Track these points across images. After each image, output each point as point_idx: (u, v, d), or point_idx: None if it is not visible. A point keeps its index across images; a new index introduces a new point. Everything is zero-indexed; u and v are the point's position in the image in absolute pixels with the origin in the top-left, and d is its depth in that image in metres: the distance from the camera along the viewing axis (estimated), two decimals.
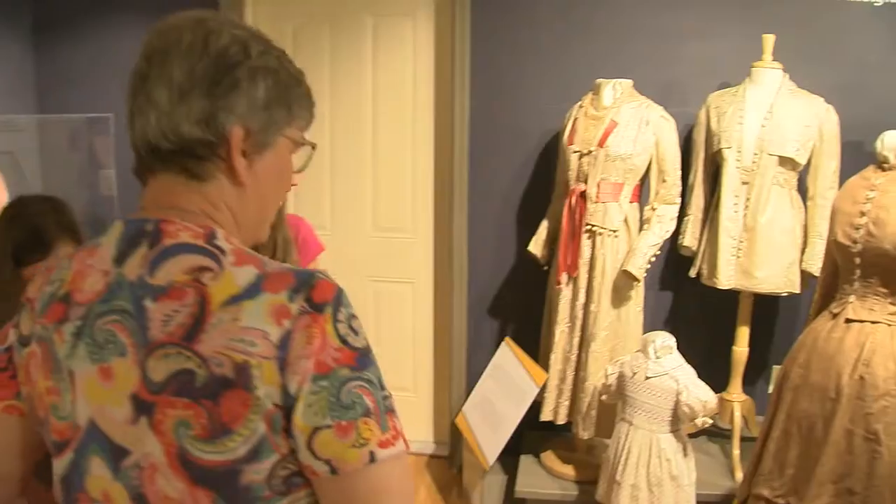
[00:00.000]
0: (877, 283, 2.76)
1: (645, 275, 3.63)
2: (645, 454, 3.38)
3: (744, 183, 3.63)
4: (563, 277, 3.70)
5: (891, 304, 2.75)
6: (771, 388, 4.32)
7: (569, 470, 3.98)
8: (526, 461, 4.14)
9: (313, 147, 1.20)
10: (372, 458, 1.00)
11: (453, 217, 4.24)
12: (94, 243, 1.12)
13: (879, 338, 2.74)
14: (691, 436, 3.61)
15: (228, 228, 1.10)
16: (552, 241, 3.81)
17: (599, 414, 3.76)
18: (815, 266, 3.60)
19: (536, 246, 3.90)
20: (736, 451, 3.91)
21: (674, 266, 4.17)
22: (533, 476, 4.01)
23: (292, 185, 1.23)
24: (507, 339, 4.11)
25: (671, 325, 4.29)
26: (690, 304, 4.26)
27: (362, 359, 1.03)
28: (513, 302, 4.35)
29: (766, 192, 3.59)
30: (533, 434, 4.15)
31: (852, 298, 2.83)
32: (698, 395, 3.26)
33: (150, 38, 1.09)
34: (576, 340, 3.75)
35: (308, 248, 2.63)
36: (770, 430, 3.10)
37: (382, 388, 1.05)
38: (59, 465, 1.13)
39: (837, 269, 2.99)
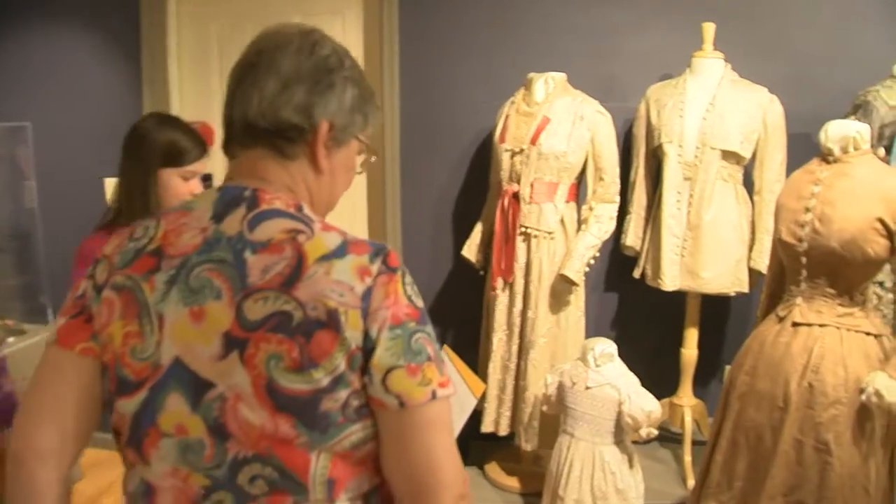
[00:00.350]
0: (824, 284, 2.51)
1: (583, 278, 3.37)
2: (588, 467, 3.11)
3: (686, 178, 3.37)
4: (499, 283, 3.43)
5: (840, 305, 2.50)
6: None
7: (513, 482, 3.71)
8: (470, 473, 3.85)
9: (375, 155, 1.41)
10: (433, 396, 1.15)
11: (386, 221, 3.95)
12: (185, 207, 1.28)
13: (828, 342, 2.48)
14: (642, 442, 3.34)
15: (305, 203, 1.26)
16: (487, 245, 3.53)
17: (542, 424, 3.49)
18: (764, 264, 3.35)
19: (471, 250, 3.62)
20: (687, 458, 3.66)
21: (618, 266, 3.91)
22: (476, 489, 3.72)
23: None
24: (445, 346, 3.81)
25: (617, 328, 4.03)
26: (636, 305, 4.00)
27: (423, 316, 1.19)
28: (450, 308, 4.07)
29: (710, 187, 3.33)
30: (477, 444, 3.87)
31: (799, 300, 2.58)
32: (641, 404, 2.99)
33: (261, 37, 1.28)
34: (514, 348, 3.47)
35: None
36: (717, 439, 2.84)
37: (436, 342, 1.19)
38: (129, 403, 1.22)
39: (784, 269, 2.73)
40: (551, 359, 3.44)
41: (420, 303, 1.19)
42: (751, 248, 3.43)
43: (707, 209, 3.33)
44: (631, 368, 3.95)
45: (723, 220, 3.35)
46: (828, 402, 2.44)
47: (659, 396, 4.07)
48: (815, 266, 2.52)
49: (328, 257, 1.14)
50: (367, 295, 1.13)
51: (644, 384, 4.02)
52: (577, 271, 3.26)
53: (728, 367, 4.19)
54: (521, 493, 3.67)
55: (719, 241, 3.35)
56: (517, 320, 3.43)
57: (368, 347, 1.13)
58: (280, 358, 1.12)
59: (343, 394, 1.14)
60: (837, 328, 2.49)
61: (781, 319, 2.62)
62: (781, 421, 2.54)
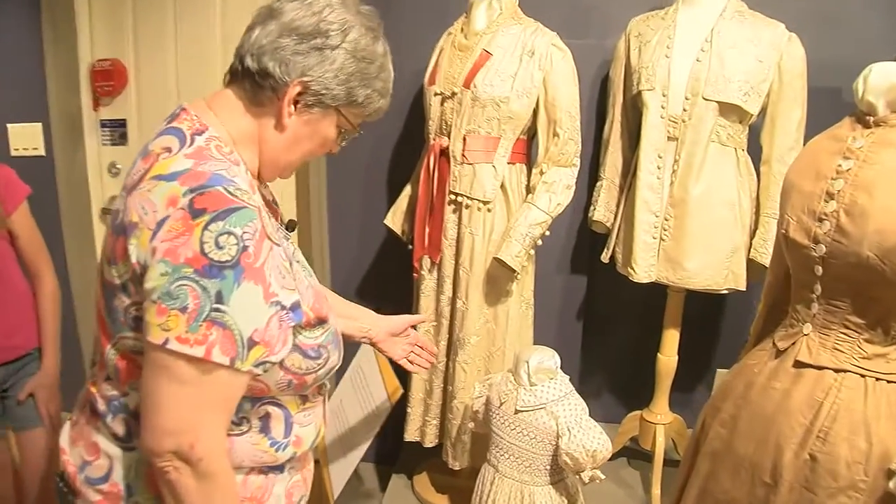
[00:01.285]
0: (847, 310, 1.59)
1: (526, 264, 2.45)
2: None
3: (671, 138, 2.43)
4: (425, 262, 2.52)
5: (867, 342, 1.58)
6: None
7: (443, 500, 2.85)
8: (396, 485, 3.02)
9: (357, 133, 1.35)
10: (165, 343, 1.08)
11: (309, 186, 3.03)
12: None
13: (846, 397, 1.57)
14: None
15: (245, 150, 1.25)
16: (415, 212, 2.59)
17: (476, 439, 2.60)
18: (767, 256, 2.42)
19: (395, 218, 2.70)
20: (656, 490, 2.75)
21: (588, 243, 2.97)
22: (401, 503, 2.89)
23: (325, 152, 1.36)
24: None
25: (582, 323, 3.10)
26: (608, 295, 3.09)
27: (212, 269, 1.08)
28: (380, 288, 3.17)
29: (702, 151, 2.39)
30: (411, 448, 2.98)
31: (808, 329, 1.65)
32: (583, 441, 2.10)
33: None
34: (443, 345, 2.59)
35: (15, 191, 2.24)
36: (681, 499, 1.95)
37: (221, 303, 1.09)
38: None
39: (788, 276, 1.82)
40: (486, 361, 2.56)
41: (219, 256, 1.08)
42: (752, 234, 2.49)
43: (696, 180, 2.39)
44: (597, 372, 3.03)
45: (717, 196, 2.41)
46: (837, 485, 1.54)
47: (629, 408, 3.19)
48: (835, 281, 1.59)
49: (161, 178, 1.12)
50: (161, 222, 1.09)
51: (612, 393, 3.11)
52: (515, 255, 2.34)
53: (722, 372, 3.30)
54: None
55: (711, 222, 2.41)
56: (446, 310, 2.54)
57: (144, 270, 1.10)
58: (106, 245, 1.20)
59: (125, 299, 1.17)
60: (862, 376, 1.56)
61: (780, 353, 1.69)
62: (767, 503, 1.64)
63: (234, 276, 1.08)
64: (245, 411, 1.25)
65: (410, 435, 2.76)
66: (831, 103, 2.55)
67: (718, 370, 3.22)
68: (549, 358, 2.17)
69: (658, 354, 2.76)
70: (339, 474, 2.76)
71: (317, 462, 2.75)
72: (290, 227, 1.53)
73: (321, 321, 1.27)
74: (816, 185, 1.59)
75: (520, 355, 2.20)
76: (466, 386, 2.53)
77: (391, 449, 2.88)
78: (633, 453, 3.03)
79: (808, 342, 1.63)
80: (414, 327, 1.97)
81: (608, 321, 3.12)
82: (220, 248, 1.07)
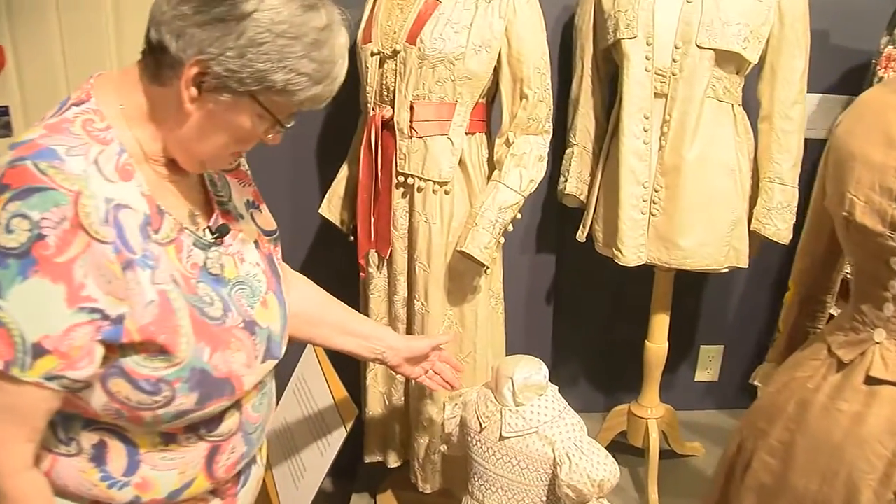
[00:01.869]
0: None
1: (497, 255, 2.03)
2: None
3: (658, 96, 2.01)
4: (372, 258, 2.08)
5: None
6: (697, 376, 2.81)
7: None
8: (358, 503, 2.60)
9: (282, 126, 1.07)
10: None
11: None
12: None
13: None
14: None
15: (139, 130, 1.05)
16: (354, 198, 2.14)
17: (447, 459, 2.20)
18: (772, 226, 2.03)
19: (332, 206, 2.24)
20: (654, 496, 2.39)
21: (556, 218, 2.56)
22: None
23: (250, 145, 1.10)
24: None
25: (553, 305, 2.71)
26: (584, 276, 2.68)
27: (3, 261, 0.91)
28: (322, 284, 2.71)
29: (697, 109, 1.99)
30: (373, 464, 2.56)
31: (881, 335, 1.26)
32: (587, 470, 1.70)
33: None
34: None
35: None
36: None
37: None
38: None
39: (830, 258, 1.48)
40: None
41: (5, 241, 0.90)
42: (752, 203, 2.11)
43: (690, 143, 1.99)
44: (570, 359, 2.63)
45: (714, 160, 2.02)
46: None
47: (606, 396, 2.82)
48: None
49: (11, 146, 0.97)
50: None
51: (588, 381, 2.70)
52: (484, 247, 1.91)
53: (707, 349, 2.94)
54: None
55: (708, 191, 2.02)
56: (402, 313, 2.10)
57: None
58: None
59: None
60: None
61: (843, 366, 1.30)
62: None
63: (20, 267, 0.91)
64: (75, 431, 1.07)
65: (371, 455, 2.34)
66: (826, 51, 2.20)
67: (702, 347, 2.87)
68: (536, 371, 1.76)
69: (646, 342, 2.38)
70: None
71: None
72: (218, 231, 1.17)
73: (163, 351, 1.01)
74: (890, 154, 1.19)
75: (500, 370, 1.78)
76: (433, 399, 2.12)
77: (349, 460, 2.45)
78: (619, 447, 2.66)
79: (883, 352, 1.24)
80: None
81: (581, 304, 2.73)
82: (9, 231, 0.91)
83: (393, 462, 2.33)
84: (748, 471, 1.43)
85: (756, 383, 1.70)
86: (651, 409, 2.45)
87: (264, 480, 2.54)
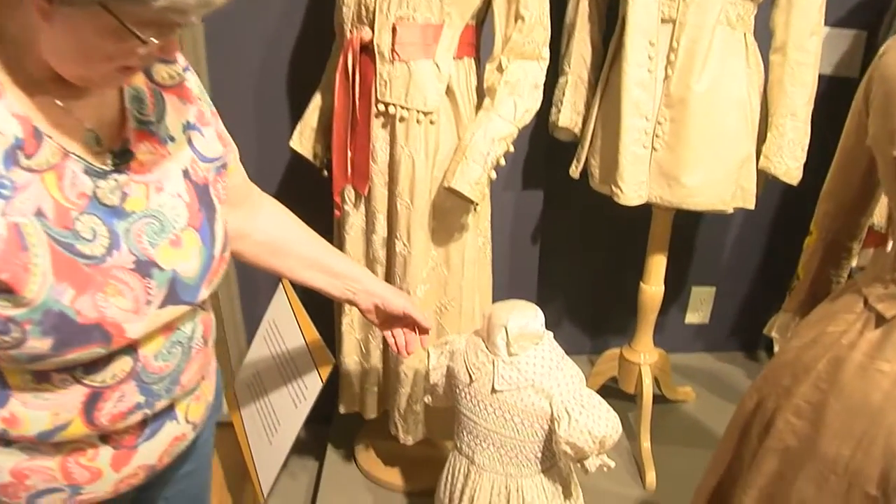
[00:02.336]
0: None
1: (487, 191, 1.85)
2: None
3: (665, 21, 1.81)
4: (348, 195, 1.89)
5: None
6: (688, 318, 2.67)
7: (393, 476, 2.32)
8: (334, 458, 2.45)
9: (142, 40, 0.86)
10: None
11: None
12: None
13: None
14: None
15: (9, 48, 0.90)
16: (328, 130, 1.93)
17: (430, 409, 2.05)
18: (782, 165, 1.87)
19: (304, 139, 2.02)
20: (646, 443, 2.26)
21: (544, 152, 2.37)
22: (340, 479, 2.34)
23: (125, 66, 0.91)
24: (284, 281, 2.30)
25: (540, 245, 2.53)
26: (575, 213, 2.50)
27: None
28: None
29: (707, 36, 1.79)
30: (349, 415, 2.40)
31: None
32: (588, 426, 1.54)
33: None
34: None
35: None
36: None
37: None
38: None
39: (860, 202, 1.36)
40: (439, 317, 1.97)
41: None
42: (759, 140, 1.93)
43: (699, 74, 1.80)
44: (556, 300, 2.47)
45: (724, 93, 1.83)
46: None
47: (602, 345, 2.67)
48: None
49: None
50: None
51: (574, 323, 2.56)
52: (475, 182, 1.72)
53: (700, 291, 2.80)
54: (407, 493, 2.29)
55: (717, 126, 1.83)
56: (381, 254, 1.92)
57: None
58: None
59: None
60: None
61: (882, 321, 1.15)
62: None
63: None
64: None
65: (347, 406, 2.18)
66: None
67: (694, 288, 2.72)
68: (532, 319, 1.59)
69: (640, 284, 2.22)
70: (265, 469, 2.18)
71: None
72: (118, 156, 1.01)
73: (8, 290, 0.89)
74: None
75: (492, 318, 1.61)
76: (415, 348, 1.96)
77: (326, 406, 2.28)
78: (609, 392, 2.51)
79: None
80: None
81: (569, 244, 2.56)
82: None
83: (370, 413, 2.17)
84: (770, 432, 1.29)
85: (773, 335, 1.55)
86: (644, 354, 2.30)
87: (236, 434, 2.39)
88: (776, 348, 1.55)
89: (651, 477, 2.21)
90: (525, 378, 1.58)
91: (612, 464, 1.62)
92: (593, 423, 1.55)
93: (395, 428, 2.14)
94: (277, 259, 1.35)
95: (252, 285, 2.50)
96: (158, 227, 1.01)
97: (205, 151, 1.10)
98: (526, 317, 1.58)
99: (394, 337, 1.51)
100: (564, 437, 1.55)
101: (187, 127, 1.08)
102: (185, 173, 1.06)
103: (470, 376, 1.64)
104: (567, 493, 1.75)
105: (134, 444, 1.09)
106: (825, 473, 1.19)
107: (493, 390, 1.60)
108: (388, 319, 1.49)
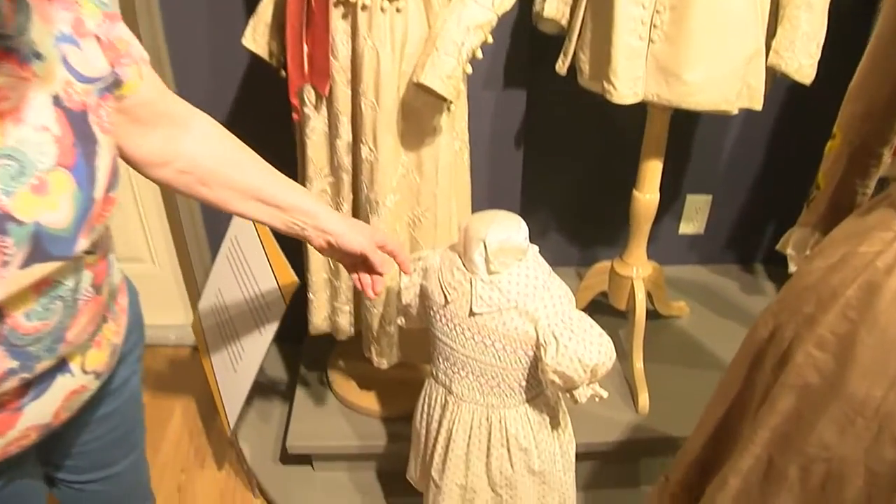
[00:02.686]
0: None
1: (462, 87, 1.62)
2: (481, 442, 1.57)
3: None
4: (308, 95, 1.65)
5: None
6: (682, 229, 2.48)
7: (369, 401, 2.16)
8: (308, 380, 2.29)
9: None
10: None
11: (135, 7, 1.97)
12: None
13: None
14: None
15: None
16: (285, 24, 1.67)
17: (405, 331, 1.86)
18: (794, 61, 1.63)
19: (258, 35, 1.75)
20: (639, 364, 2.10)
21: (526, 46, 2.12)
22: (314, 404, 2.18)
23: None
24: None
25: (524, 149, 2.30)
26: (562, 113, 2.27)
27: None
28: (249, 138, 2.26)
29: None
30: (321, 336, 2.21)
31: None
32: (578, 352, 1.36)
33: None
34: (347, 208, 1.76)
35: None
36: (723, 441, 1.30)
37: None
38: None
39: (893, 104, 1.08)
40: (411, 230, 1.77)
41: None
42: (770, 33, 1.69)
43: None
44: (541, 209, 2.28)
45: None
46: None
47: (591, 257, 2.48)
48: None
49: None
50: None
51: (561, 234, 2.37)
52: (447, 76, 1.49)
53: (694, 198, 2.59)
54: (384, 418, 2.13)
55: (723, 16, 1.58)
56: (346, 161, 1.70)
57: None
58: None
59: None
60: None
61: None
62: None
63: None
64: None
65: (317, 327, 1.99)
66: None
67: (689, 196, 2.52)
68: (515, 231, 1.38)
69: (634, 192, 2.01)
70: (231, 399, 2.02)
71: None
72: None
73: None
74: None
75: (469, 231, 1.40)
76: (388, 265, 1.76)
77: (295, 322, 2.09)
78: (598, 307, 2.34)
79: None
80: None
81: (555, 148, 2.33)
82: None
83: (343, 334, 1.99)
84: (787, 365, 1.10)
85: (788, 252, 1.35)
86: (637, 267, 2.11)
87: (202, 362, 2.21)
88: (791, 267, 1.36)
89: (644, 399, 2.04)
90: (507, 299, 1.38)
91: (605, 394, 1.45)
92: (584, 350, 1.36)
93: (368, 351, 1.97)
94: (209, 189, 1.12)
95: None
96: (16, 170, 0.78)
97: (83, 69, 0.86)
98: (507, 229, 1.38)
99: (358, 275, 1.30)
100: (552, 366, 1.37)
101: (60, 40, 0.84)
102: (56, 99, 0.82)
103: (445, 297, 1.45)
104: (555, 423, 1.59)
105: (18, 406, 0.90)
106: (851, 416, 1.01)
107: (471, 313, 1.41)
108: (350, 258, 1.27)
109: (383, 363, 1.96)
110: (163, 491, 2.18)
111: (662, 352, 2.23)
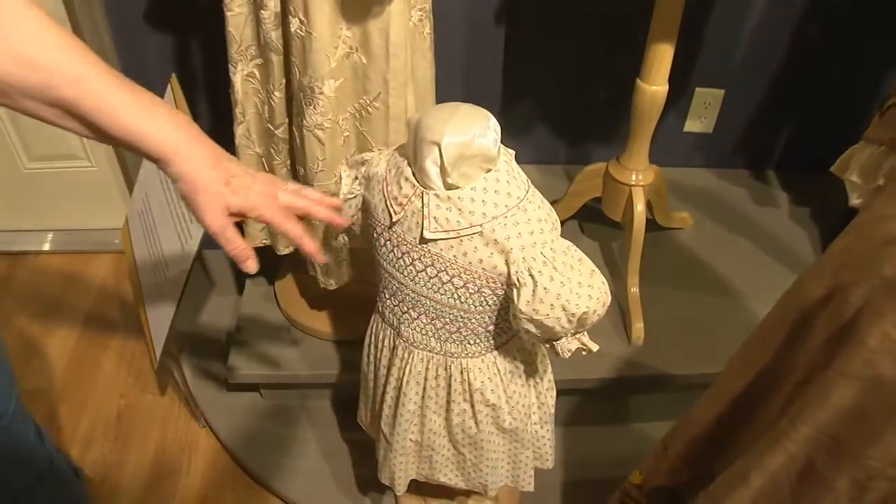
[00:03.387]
0: None
1: None
2: (438, 396, 1.21)
3: None
4: None
5: None
6: (687, 126, 2.09)
7: (320, 322, 1.83)
8: (253, 295, 1.95)
9: None
10: None
11: None
12: None
13: None
14: None
15: None
16: None
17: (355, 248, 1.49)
18: None
19: None
20: (634, 289, 1.73)
21: None
22: (259, 336, 1.81)
23: None
24: (173, 78, 1.65)
25: (505, 31, 1.87)
26: None
27: None
28: (162, 12, 1.81)
29: None
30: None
31: None
32: (562, 297, 0.99)
33: None
34: (279, 98, 1.36)
35: None
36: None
37: None
38: None
39: None
40: (356, 123, 1.37)
41: None
42: None
43: None
44: (524, 100, 1.90)
45: None
46: None
47: (581, 156, 2.09)
48: None
49: None
50: None
51: (547, 128, 2.02)
52: None
53: (705, 92, 2.16)
54: (336, 342, 1.78)
55: None
56: (273, 37, 1.28)
57: None
58: None
59: None
60: None
61: None
62: None
63: None
64: None
65: (252, 240, 1.62)
66: None
67: (698, 90, 2.10)
68: (481, 131, 0.98)
69: (638, 82, 1.59)
70: (157, 326, 1.66)
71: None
72: None
73: None
74: None
75: (420, 129, 1.00)
76: (327, 164, 1.37)
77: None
78: (589, 214, 1.96)
79: None
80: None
81: (545, 25, 1.90)
82: None
83: (284, 248, 1.61)
84: (852, 346, 0.74)
85: (850, 178, 0.96)
86: (637, 173, 1.72)
87: (132, 286, 1.83)
88: (853, 200, 0.99)
89: (638, 329, 1.69)
90: (469, 222, 1.00)
91: (595, 347, 1.08)
92: (569, 294, 0.99)
93: (312, 269, 1.60)
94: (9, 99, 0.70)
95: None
96: None
97: None
98: (470, 129, 0.98)
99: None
100: (527, 313, 1.00)
101: None
102: None
103: (390, 215, 1.06)
104: (531, 371, 1.23)
105: None
106: None
107: (423, 238, 1.03)
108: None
109: (331, 283, 1.60)
110: (100, 417, 1.85)
111: (660, 272, 1.86)
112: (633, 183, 1.72)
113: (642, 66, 1.56)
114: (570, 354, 1.07)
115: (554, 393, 1.32)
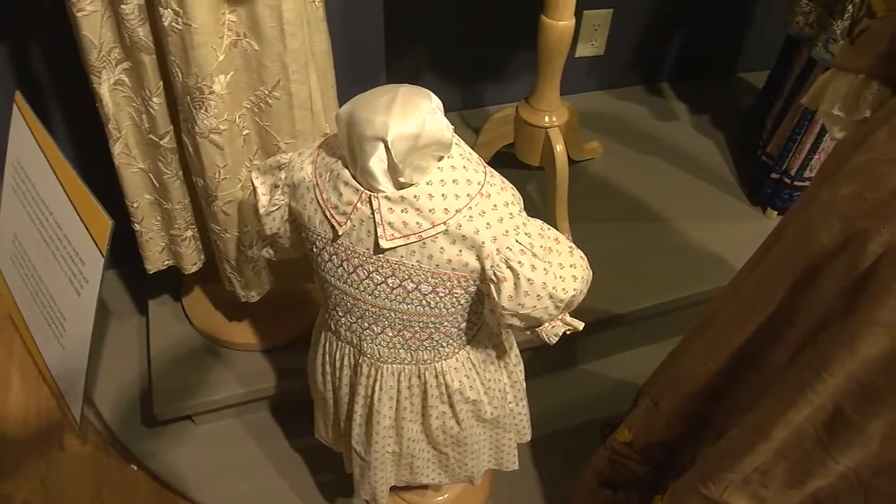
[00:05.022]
0: None
1: None
2: (413, 405, 1.07)
3: None
4: None
5: None
6: (579, 51, 2.00)
7: (243, 333, 1.64)
8: (159, 315, 1.72)
9: None
10: None
11: None
12: None
13: None
14: None
15: None
16: None
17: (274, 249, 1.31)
18: None
19: None
20: (566, 232, 1.63)
21: None
22: (176, 368, 1.60)
23: None
24: (18, 95, 1.38)
25: None
26: None
27: None
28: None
29: None
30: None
31: None
32: (548, 285, 0.87)
33: None
34: (159, 104, 1.14)
35: None
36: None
37: None
38: None
39: None
40: (256, 118, 1.17)
41: None
42: None
43: None
44: (428, 55, 1.80)
45: None
46: None
47: (479, 98, 1.97)
48: None
49: None
50: None
51: (449, 78, 1.89)
52: None
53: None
54: (262, 350, 1.60)
55: None
56: (141, 34, 1.06)
57: None
58: None
59: None
60: None
61: None
62: None
63: None
64: None
65: (154, 262, 1.41)
66: None
67: (586, 13, 1.98)
68: (428, 114, 0.82)
69: (542, 17, 1.45)
70: (68, 380, 1.45)
71: None
72: None
73: None
74: None
75: (356, 125, 0.82)
76: (230, 170, 1.17)
77: (123, 237, 1.46)
78: (503, 160, 1.83)
79: None
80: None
81: None
82: None
83: (191, 266, 1.41)
84: (878, 294, 0.69)
85: (830, 111, 0.86)
86: (551, 113, 1.59)
87: (21, 335, 1.57)
88: (835, 133, 0.89)
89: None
90: (431, 222, 0.84)
91: (581, 325, 0.96)
92: (555, 280, 0.86)
93: (229, 283, 1.41)
94: None
95: None
96: None
97: None
98: (416, 115, 0.81)
99: None
100: (511, 309, 0.87)
101: None
102: None
103: (333, 228, 0.90)
104: (500, 352, 1.11)
105: None
106: None
107: (379, 248, 0.87)
108: None
109: (252, 296, 1.41)
110: (23, 489, 1.59)
111: (583, 209, 1.76)
112: (549, 124, 1.59)
113: (546, 2, 1.42)
114: (556, 339, 0.95)
115: (522, 367, 1.21)
